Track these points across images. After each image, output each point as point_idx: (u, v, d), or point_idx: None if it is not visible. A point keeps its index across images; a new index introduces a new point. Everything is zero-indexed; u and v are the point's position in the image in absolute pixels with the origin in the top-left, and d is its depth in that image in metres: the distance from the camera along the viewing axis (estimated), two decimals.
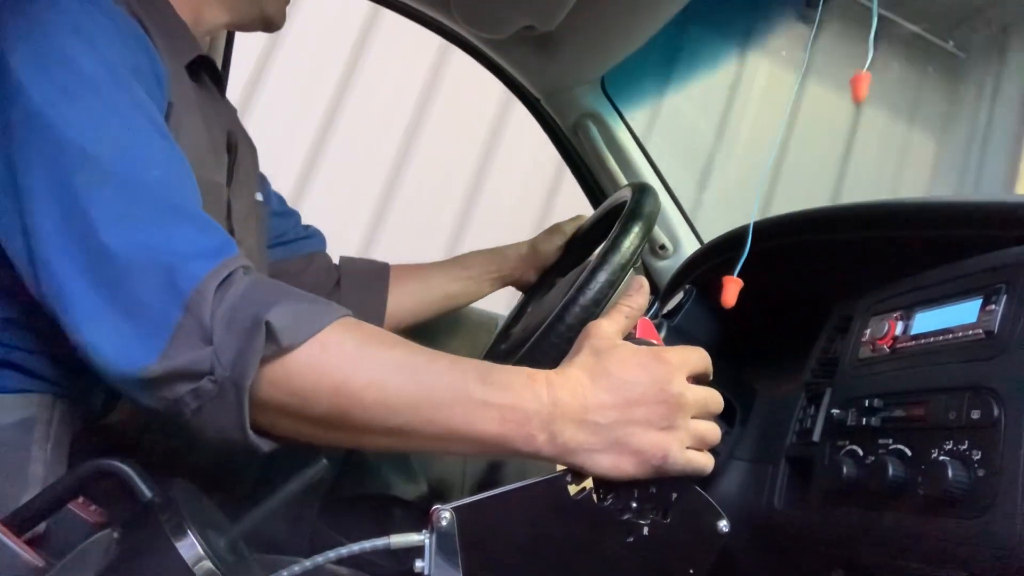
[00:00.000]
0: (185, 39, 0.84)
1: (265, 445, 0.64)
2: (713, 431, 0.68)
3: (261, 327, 0.60)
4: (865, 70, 0.68)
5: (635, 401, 0.65)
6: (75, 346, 0.63)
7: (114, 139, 0.66)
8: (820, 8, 0.76)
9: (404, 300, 1.22)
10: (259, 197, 1.01)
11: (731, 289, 0.73)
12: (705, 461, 0.68)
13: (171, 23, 0.83)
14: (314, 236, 1.23)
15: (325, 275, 1.21)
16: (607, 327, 0.69)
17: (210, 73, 0.91)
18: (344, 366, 0.62)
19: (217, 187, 0.84)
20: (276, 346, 0.61)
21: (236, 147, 0.92)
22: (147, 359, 0.60)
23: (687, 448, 0.66)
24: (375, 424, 0.63)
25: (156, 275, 0.62)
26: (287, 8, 0.95)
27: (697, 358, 0.69)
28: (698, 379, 0.69)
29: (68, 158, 0.64)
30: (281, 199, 1.20)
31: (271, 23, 0.94)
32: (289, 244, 1.18)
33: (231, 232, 0.87)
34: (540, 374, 0.66)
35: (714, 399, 0.69)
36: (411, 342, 0.66)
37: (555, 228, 1.27)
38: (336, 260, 1.25)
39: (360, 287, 1.20)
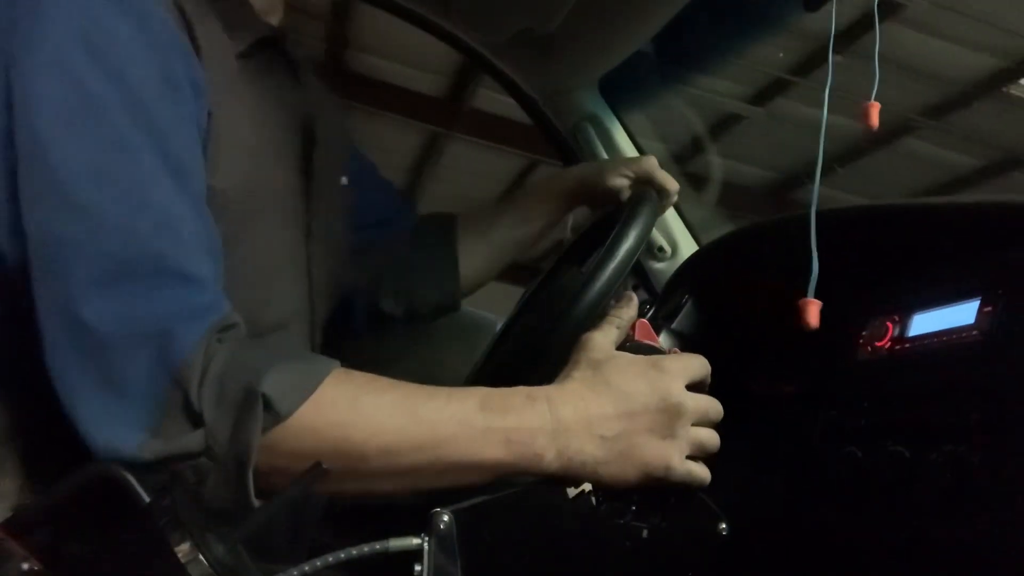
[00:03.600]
0: (245, 20, 0.77)
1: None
2: (712, 438, 0.68)
3: (257, 400, 0.59)
4: (874, 97, 0.69)
5: (637, 411, 0.65)
6: (71, 424, 0.60)
7: (112, 182, 0.61)
8: (833, 13, 0.75)
9: (470, 264, 1.12)
10: (344, 181, 0.94)
11: (813, 311, 0.69)
12: (704, 474, 0.68)
13: (227, 4, 0.74)
14: (406, 212, 1.14)
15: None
16: (600, 339, 0.69)
17: (283, 56, 0.83)
18: (342, 422, 0.61)
19: (278, 192, 0.79)
20: (271, 417, 0.59)
21: (315, 134, 0.85)
22: (141, 440, 0.59)
23: (687, 457, 0.66)
24: (381, 471, 0.63)
25: (142, 348, 0.59)
26: None
27: (696, 365, 0.69)
28: (697, 386, 0.69)
29: (60, 204, 0.60)
30: (373, 170, 1.11)
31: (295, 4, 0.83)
32: (381, 222, 1.09)
33: (307, 231, 0.83)
34: (539, 391, 0.65)
35: (714, 407, 0.69)
36: (405, 382, 0.65)
37: (622, 161, 1.17)
38: None
39: (431, 256, 1.11)
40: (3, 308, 0.65)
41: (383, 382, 0.65)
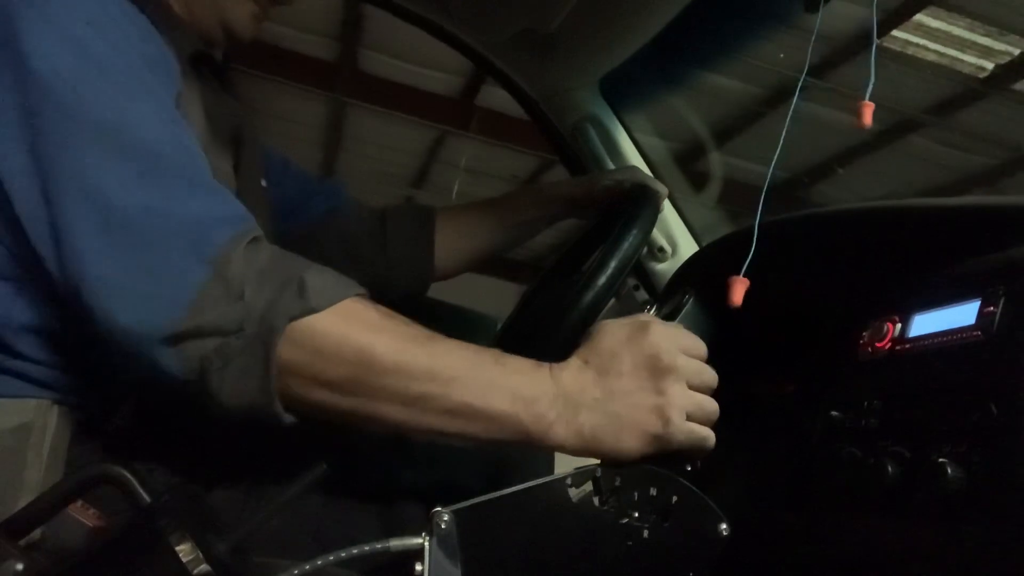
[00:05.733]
0: (185, 35, 0.84)
1: (285, 416, 0.65)
2: (712, 403, 0.69)
3: (294, 284, 0.63)
4: (868, 96, 0.70)
5: (625, 372, 0.67)
6: (96, 319, 0.63)
7: (127, 118, 0.66)
8: (820, 13, 0.77)
9: (448, 250, 1.16)
10: (263, 183, 0.99)
11: (738, 289, 0.74)
12: (706, 433, 0.68)
13: (171, 20, 0.83)
14: (325, 192, 1.16)
15: (357, 224, 1.14)
16: (608, 322, 0.71)
17: (211, 68, 0.90)
18: (367, 331, 0.65)
19: (225, 176, 0.84)
20: (305, 305, 0.62)
21: (241, 140, 0.91)
22: (174, 314, 0.61)
23: (687, 420, 0.67)
24: (391, 391, 0.64)
25: (179, 239, 0.63)
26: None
27: (687, 335, 0.70)
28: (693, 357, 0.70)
29: (84, 134, 0.65)
30: (284, 165, 1.14)
31: (234, 33, 0.88)
32: (297, 210, 1.12)
33: None
34: (545, 364, 0.68)
35: (708, 371, 0.70)
36: None
37: (618, 170, 1.24)
38: None
39: (405, 236, 1.14)
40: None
41: (407, 319, 0.68)
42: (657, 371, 0.67)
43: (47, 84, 0.65)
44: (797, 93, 0.76)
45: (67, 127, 0.65)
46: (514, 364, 0.67)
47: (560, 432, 0.66)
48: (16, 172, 0.65)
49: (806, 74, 0.76)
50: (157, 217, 0.64)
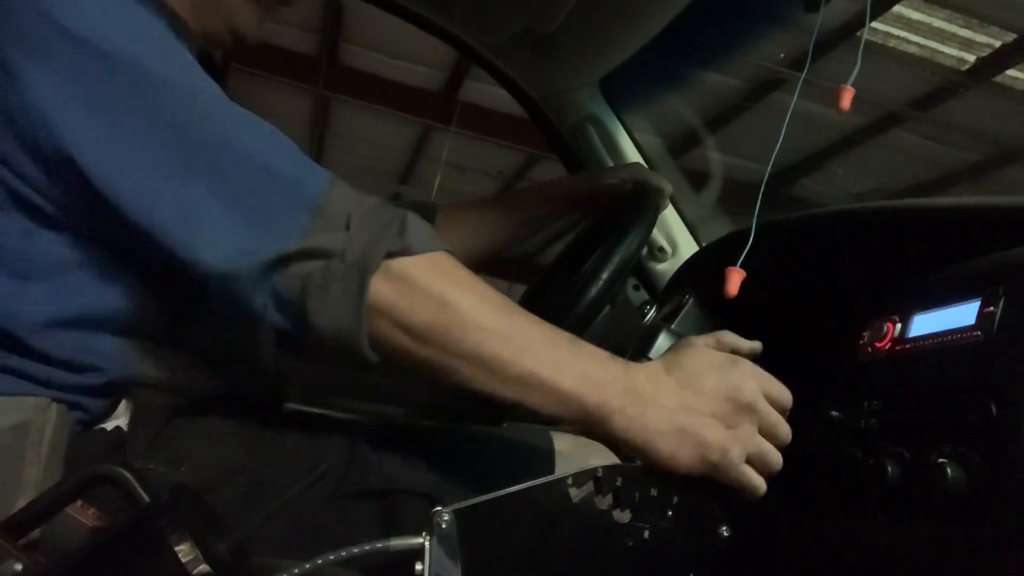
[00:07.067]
0: (191, 38, 0.84)
1: (370, 353, 0.67)
2: (776, 456, 0.69)
3: (396, 223, 0.66)
4: (850, 82, 0.71)
5: (705, 392, 0.67)
6: (195, 259, 0.65)
7: (196, 82, 0.69)
8: (821, 12, 0.77)
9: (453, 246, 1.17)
10: None
11: (734, 279, 0.74)
12: (759, 483, 0.68)
13: (180, 24, 0.83)
14: None
15: None
16: (697, 339, 0.73)
17: (213, 72, 0.90)
18: (455, 283, 0.67)
19: None
20: (403, 244, 0.65)
21: None
22: (284, 243, 0.64)
23: (746, 462, 0.67)
24: (467, 347, 0.66)
25: (283, 181, 0.66)
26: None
27: (776, 383, 0.70)
28: (774, 405, 0.70)
29: (162, 90, 0.66)
30: None
31: (241, 37, 0.88)
32: None
33: None
34: (621, 358, 0.69)
35: (784, 425, 0.70)
36: None
37: (621, 167, 1.24)
38: None
39: None
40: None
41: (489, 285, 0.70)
42: (736, 405, 0.67)
43: (112, 50, 0.66)
44: (797, 93, 0.76)
45: (147, 88, 0.66)
46: (589, 349, 0.69)
47: (620, 423, 0.66)
48: (92, 137, 0.65)
49: (806, 72, 0.76)
50: (263, 161, 0.67)
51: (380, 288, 0.65)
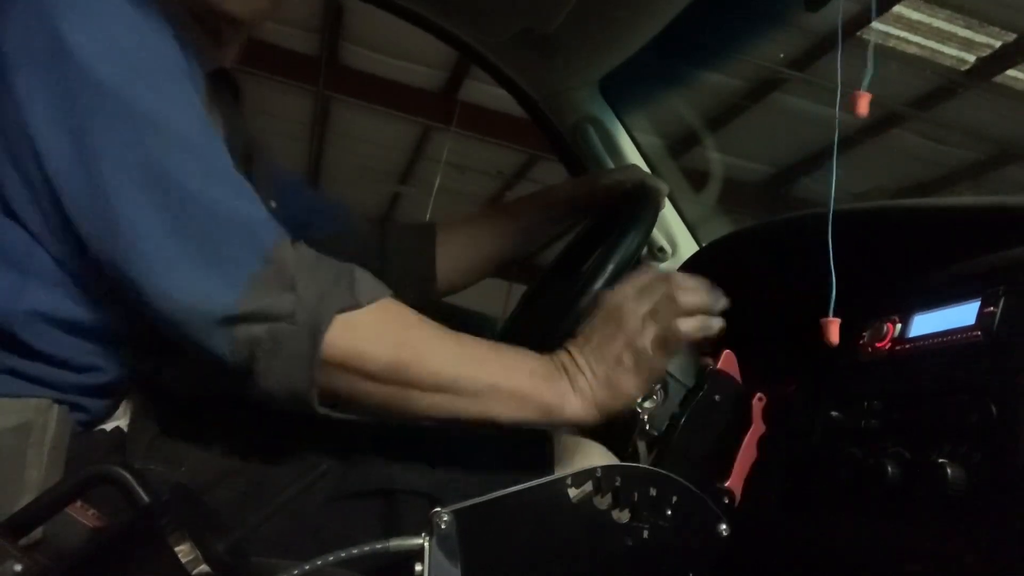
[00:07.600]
0: (205, 51, 0.83)
1: (319, 406, 0.69)
2: (680, 329, 0.74)
3: (343, 279, 0.69)
4: (864, 87, 0.70)
5: (607, 333, 0.75)
6: (150, 298, 0.66)
7: (178, 116, 0.70)
8: (840, 13, 0.76)
9: (453, 263, 1.17)
10: (273, 205, 1.00)
11: (833, 329, 0.73)
12: (675, 347, 0.75)
13: (192, 34, 0.82)
14: (331, 212, 1.16)
15: (360, 244, 1.14)
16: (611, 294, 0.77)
17: (227, 85, 0.90)
18: (406, 324, 0.72)
19: None
20: (353, 299, 0.68)
21: (253, 158, 0.91)
22: (231, 297, 0.66)
23: (662, 346, 0.73)
24: (426, 378, 0.70)
25: (238, 227, 0.68)
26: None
27: (650, 272, 0.77)
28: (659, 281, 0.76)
29: (142, 127, 0.68)
30: (292, 184, 1.13)
31: (232, 17, 0.84)
32: (302, 230, 1.12)
33: None
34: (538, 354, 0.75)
35: (671, 298, 0.74)
36: None
37: (618, 170, 1.26)
38: None
39: (406, 253, 1.15)
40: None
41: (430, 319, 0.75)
42: (610, 316, 0.75)
43: (98, 80, 0.67)
44: (839, 102, 0.75)
45: (124, 120, 0.67)
46: (520, 350, 0.75)
47: (574, 402, 0.72)
48: (66, 161, 0.67)
49: (840, 82, 0.75)
50: (220, 205, 0.68)
51: (335, 342, 0.67)
